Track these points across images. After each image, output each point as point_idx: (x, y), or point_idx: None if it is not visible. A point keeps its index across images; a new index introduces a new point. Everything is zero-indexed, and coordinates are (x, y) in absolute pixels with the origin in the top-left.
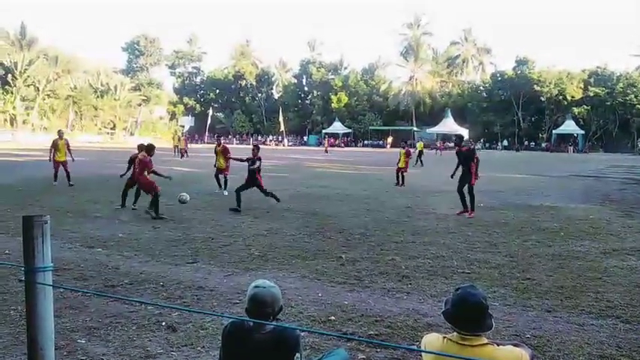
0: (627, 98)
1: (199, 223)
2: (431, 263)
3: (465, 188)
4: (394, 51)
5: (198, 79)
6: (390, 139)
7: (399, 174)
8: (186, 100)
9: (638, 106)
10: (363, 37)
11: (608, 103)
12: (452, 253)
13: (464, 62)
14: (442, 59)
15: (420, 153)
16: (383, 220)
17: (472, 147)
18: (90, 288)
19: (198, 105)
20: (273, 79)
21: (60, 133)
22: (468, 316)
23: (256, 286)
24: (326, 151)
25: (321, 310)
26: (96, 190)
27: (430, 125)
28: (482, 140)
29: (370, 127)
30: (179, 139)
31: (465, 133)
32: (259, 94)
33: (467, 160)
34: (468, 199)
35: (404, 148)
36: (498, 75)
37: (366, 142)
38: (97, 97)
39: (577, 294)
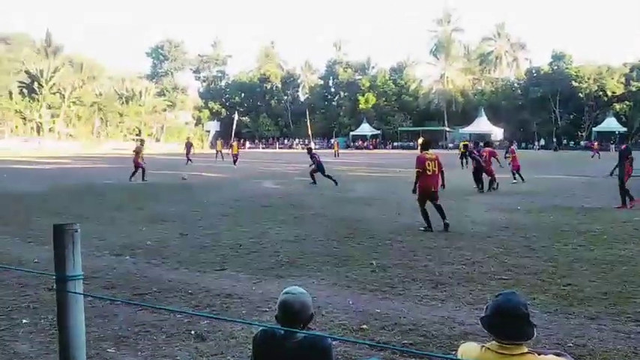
0: None
1: (227, 230)
2: (466, 269)
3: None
4: (424, 49)
5: (223, 83)
6: (420, 140)
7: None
8: (211, 104)
9: None
10: (391, 36)
11: None
12: (488, 258)
13: (497, 59)
14: (474, 56)
15: (464, 154)
16: (414, 224)
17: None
18: (118, 296)
19: (223, 109)
20: (298, 81)
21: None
22: (507, 324)
23: (286, 293)
24: (336, 155)
25: (353, 318)
26: (122, 198)
27: (463, 125)
28: (515, 140)
29: (400, 128)
30: (231, 145)
31: (499, 132)
32: (285, 97)
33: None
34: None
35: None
36: (534, 71)
37: (395, 143)
38: (122, 103)
39: (622, 300)
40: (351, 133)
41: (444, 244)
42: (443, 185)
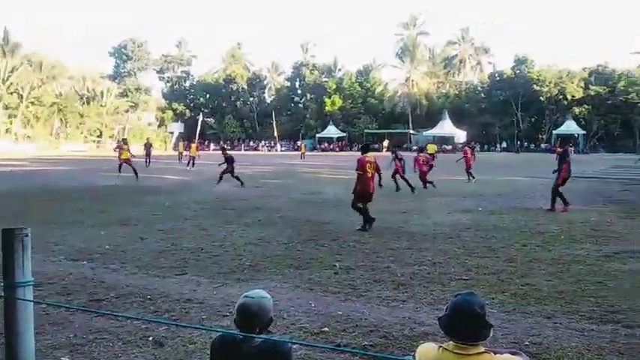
0: (629, 97)
1: (188, 233)
2: (427, 270)
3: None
4: (389, 52)
5: (187, 84)
6: (385, 143)
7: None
8: (175, 105)
9: None
10: (357, 38)
11: (610, 102)
12: (449, 259)
13: (461, 62)
14: (439, 59)
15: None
16: (378, 226)
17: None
18: (74, 303)
19: (187, 110)
20: (265, 82)
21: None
22: (462, 325)
23: (245, 297)
24: (302, 157)
25: (314, 321)
26: (82, 201)
27: (427, 127)
28: (477, 142)
29: (365, 131)
30: (190, 147)
31: (462, 135)
32: (251, 99)
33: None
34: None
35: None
36: (497, 75)
37: (361, 145)
38: (83, 103)
39: (577, 299)
40: (318, 135)
41: (406, 246)
42: (380, 185)
